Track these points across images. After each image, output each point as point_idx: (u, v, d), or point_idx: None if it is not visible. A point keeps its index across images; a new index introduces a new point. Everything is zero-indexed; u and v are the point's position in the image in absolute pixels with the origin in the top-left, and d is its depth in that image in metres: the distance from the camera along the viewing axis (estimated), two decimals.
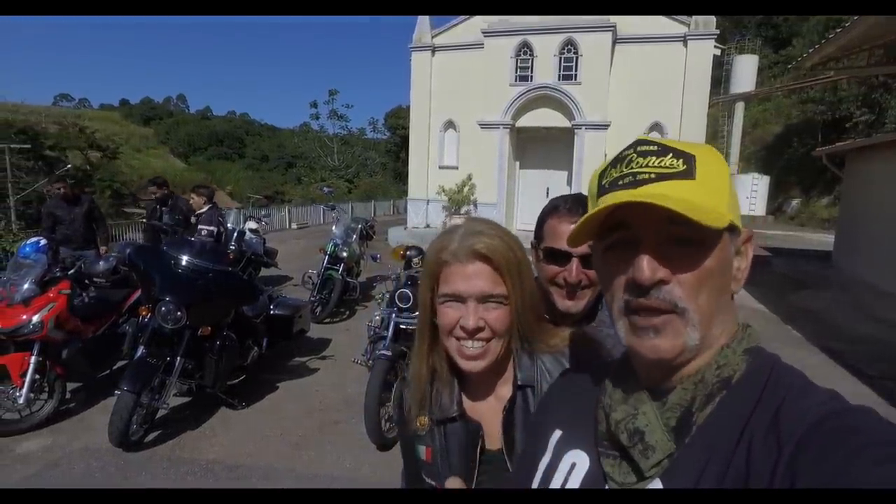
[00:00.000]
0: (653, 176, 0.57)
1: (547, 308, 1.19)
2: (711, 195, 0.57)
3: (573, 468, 0.67)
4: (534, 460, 0.74)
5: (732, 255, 0.60)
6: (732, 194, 0.60)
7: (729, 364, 0.59)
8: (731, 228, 0.58)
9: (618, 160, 0.61)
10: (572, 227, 1.10)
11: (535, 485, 0.71)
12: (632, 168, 0.59)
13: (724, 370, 0.58)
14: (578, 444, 0.69)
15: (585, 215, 0.60)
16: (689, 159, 0.57)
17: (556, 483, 0.68)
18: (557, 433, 0.73)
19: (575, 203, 1.19)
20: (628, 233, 0.59)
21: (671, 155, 0.58)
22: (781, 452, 0.49)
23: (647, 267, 0.56)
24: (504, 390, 0.97)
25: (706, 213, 0.53)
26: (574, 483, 0.66)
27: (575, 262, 1.16)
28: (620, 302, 0.60)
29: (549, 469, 0.70)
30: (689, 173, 0.57)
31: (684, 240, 0.56)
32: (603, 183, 0.62)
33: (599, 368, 0.72)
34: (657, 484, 0.57)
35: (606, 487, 0.62)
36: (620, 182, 0.59)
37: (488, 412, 0.96)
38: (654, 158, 0.58)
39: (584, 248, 1.12)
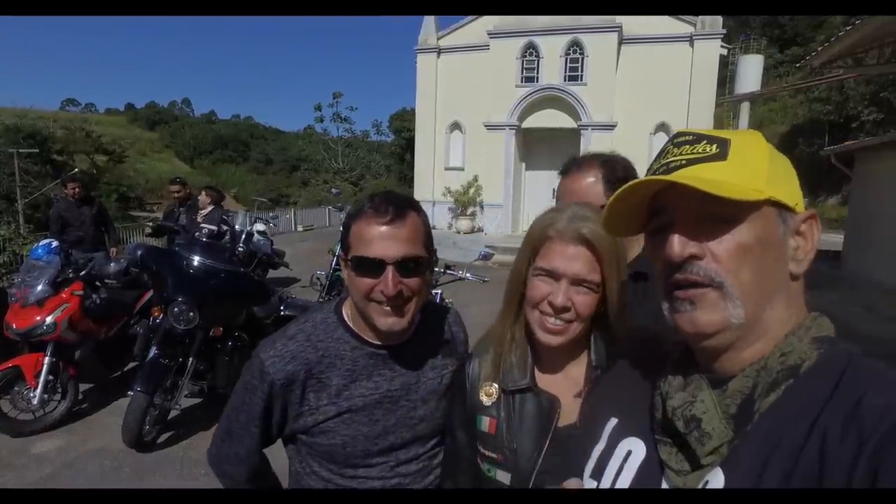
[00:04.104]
0: (683, 162, 0.59)
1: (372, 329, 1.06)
2: (745, 173, 0.57)
3: (629, 456, 0.67)
4: (586, 448, 0.74)
5: (784, 234, 0.58)
6: (779, 173, 0.59)
7: (795, 352, 0.57)
8: (779, 206, 0.58)
9: (659, 154, 0.63)
10: (382, 228, 0.97)
11: (587, 472, 0.71)
12: (668, 159, 0.61)
13: (789, 358, 0.57)
14: (635, 432, 0.68)
15: (610, 198, 0.62)
16: (722, 143, 0.58)
17: (610, 470, 0.68)
18: (613, 421, 0.73)
19: (383, 201, 1.00)
20: (665, 216, 0.60)
21: (705, 141, 0.59)
22: (863, 448, 0.47)
23: (676, 243, 0.57)
24: (575, 370, 0.97)
25: (733, 188, 0.53)
26: (630, 470, 0.66)
27: (390, 271, 0.97)
28: (662, 281, 0.61)
29: (603, 457, 0.70)
30: (721, 155, 0.57)
31: (717, 217, 0.56)
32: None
33: (659, 358, 0.71)
34: (717, 472, 0.56)
35: (663, 476, 0.61)
36: (657, 173, 0.61)
37: (557, 390, 0.96)
38: (687, 147, 0.60)
39: (399, 254, 0.97)
